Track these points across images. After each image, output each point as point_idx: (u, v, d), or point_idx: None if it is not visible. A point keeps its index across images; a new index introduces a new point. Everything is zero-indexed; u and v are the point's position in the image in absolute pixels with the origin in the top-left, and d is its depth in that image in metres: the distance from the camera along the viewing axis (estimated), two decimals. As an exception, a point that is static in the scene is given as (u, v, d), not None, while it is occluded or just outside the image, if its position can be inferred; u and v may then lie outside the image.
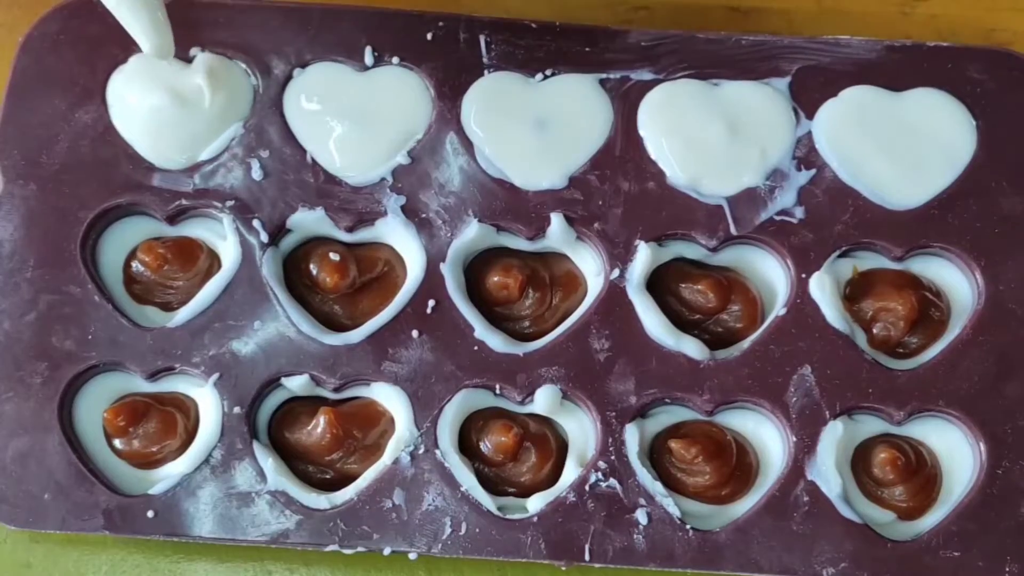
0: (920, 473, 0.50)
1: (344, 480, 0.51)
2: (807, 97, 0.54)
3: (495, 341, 0.51)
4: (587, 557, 0.49)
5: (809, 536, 0.49)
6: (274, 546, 0.50)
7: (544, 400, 0.51)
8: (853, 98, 0.54)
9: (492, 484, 0.51)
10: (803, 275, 0.52)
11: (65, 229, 0.53)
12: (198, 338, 0.52)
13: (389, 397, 0.52)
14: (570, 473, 0.50)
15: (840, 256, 0.53)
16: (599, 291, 0.52)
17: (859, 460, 0.51)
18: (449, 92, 0.54)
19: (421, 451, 0.50)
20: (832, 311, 0.51)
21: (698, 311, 0.53)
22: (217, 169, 0.53)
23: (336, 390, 0.52)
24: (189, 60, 0.54)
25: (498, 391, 0.52)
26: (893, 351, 0.53)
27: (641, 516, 0.49)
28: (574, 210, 0.53)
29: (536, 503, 0.50)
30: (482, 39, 0.55)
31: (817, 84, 0.54)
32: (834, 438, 0.50)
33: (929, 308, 0.52)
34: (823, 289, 0.51)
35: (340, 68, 0.55)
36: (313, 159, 0.54)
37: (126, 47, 0.54)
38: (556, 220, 0.53)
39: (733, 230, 0.53)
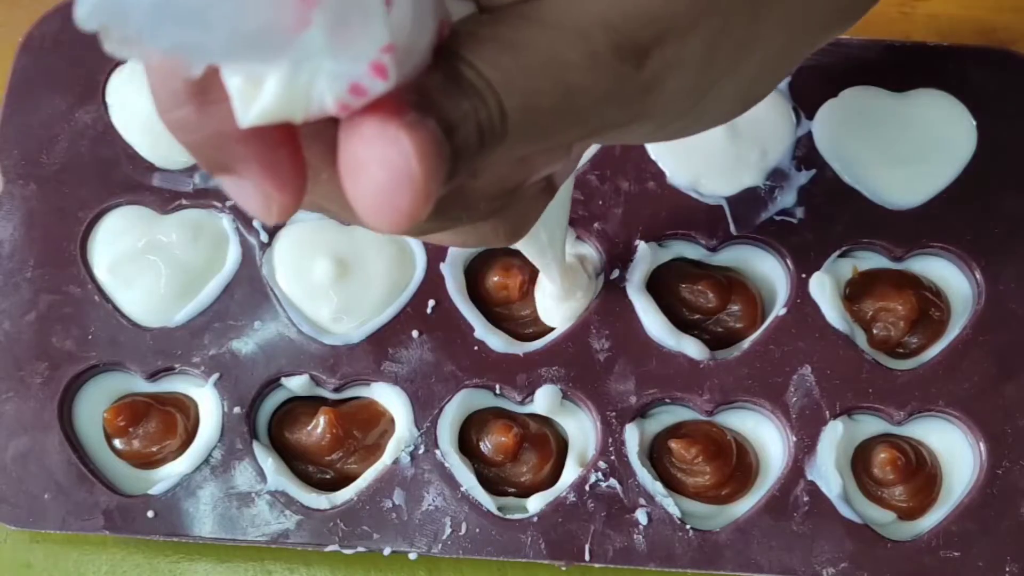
0: (920, 473, 0.50)
1: (344, 480, 0.51)
2: (807, 97, 0.54)
3: (495, 341, 0.51)
4: (587, 557, 0.49)
5: (809, 536, 0.49)
6: (274, 546, 0.50)
7: (544, 400, 0.51)
8: (853, 98, 0.54)
9: (492, 484, 0.51)
10: (803, 275, 0.52)
11: (65, 229, 0.53)
12: (198, 338, 0.52)
13: (389, 397, 0.51)
14: (570, 473, 0.50)
15: (840, 256, 0.53)
16: (599, 291, 0.52)
17: (859, 460, 0.51)
18: (449, 92, 0.54)
19: (421, 451, 0.50)
20: (832, 311, 0.51)
21: (698, 311, 0.53)
22: (217, 169, 0.53)
23: (336, 390, 0.52)
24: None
25: (498, 391, 0.51)
26: (893, 351, 0.53)
27: (641, 516, 0.49)
28: (574, 210, 0.53)
29: (536, 503, 0.50)
30: (482, 39, 0.55)
31: (817, 84, 0.54)
32: (834, 438, 0.50)
33: (929, 308, 0.52)
34: (823, 289, 0.51)
35: (340, 68, 0.55)
36: (313, 159, 0.54)
37: (126, 47, 0.54)
38: (556, 220, 0.52)
39: (733, 230, 0.53)
